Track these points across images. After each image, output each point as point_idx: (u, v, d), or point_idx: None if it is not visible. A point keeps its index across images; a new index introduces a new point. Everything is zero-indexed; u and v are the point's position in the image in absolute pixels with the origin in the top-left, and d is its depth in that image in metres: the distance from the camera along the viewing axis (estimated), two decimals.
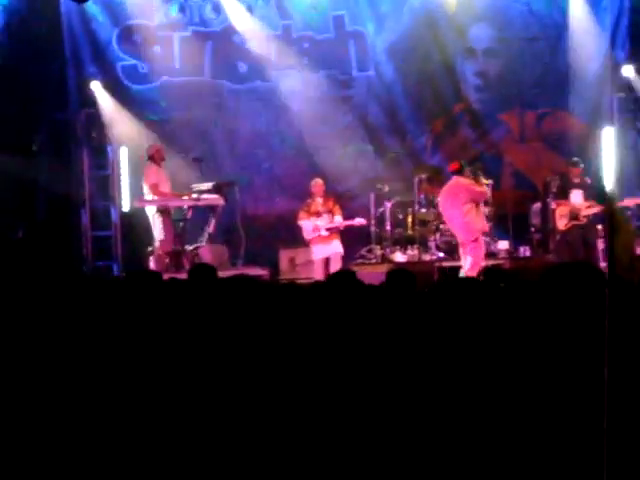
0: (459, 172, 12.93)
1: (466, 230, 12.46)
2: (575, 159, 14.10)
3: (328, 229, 13.44)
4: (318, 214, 13.45)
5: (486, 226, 13.35)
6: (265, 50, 15.50)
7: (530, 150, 15.70)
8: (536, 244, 14.88)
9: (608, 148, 15.44)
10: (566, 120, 15.78)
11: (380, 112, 15.77)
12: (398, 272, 6.34)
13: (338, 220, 13.57)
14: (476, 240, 12.45)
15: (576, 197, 13.77)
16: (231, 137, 15.34)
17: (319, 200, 13.57)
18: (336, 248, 13.40)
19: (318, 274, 12.94)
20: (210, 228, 13.46)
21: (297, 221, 13.60)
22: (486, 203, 13.90)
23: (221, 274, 12.31)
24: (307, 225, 13.47)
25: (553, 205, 14.55)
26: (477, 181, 12.91)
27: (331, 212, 13.54)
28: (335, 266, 12.94)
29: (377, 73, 15.74)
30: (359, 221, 13.94)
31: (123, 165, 14.59)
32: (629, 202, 14.15)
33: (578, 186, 13.84)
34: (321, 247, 13.41)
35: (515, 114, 15.97)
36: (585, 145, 15.27)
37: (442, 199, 12.90)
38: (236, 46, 15.46)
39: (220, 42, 15.41)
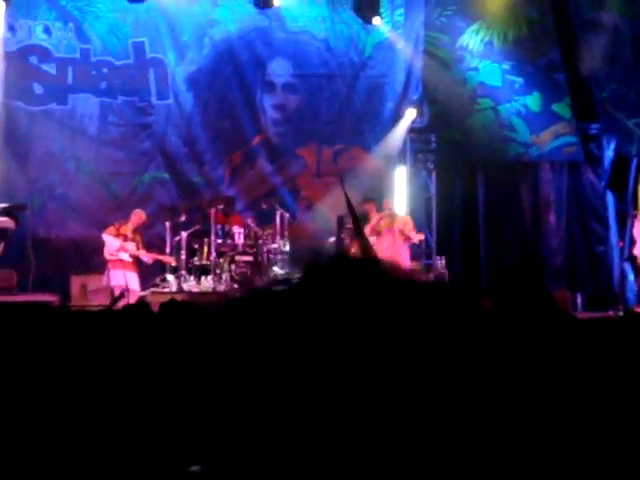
0: None
1: None
2: (372, 197, 14.54)
3: (132, 255, 13.33)
4: (125, 238, 13.35)
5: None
6: (62, 73, 15.20)
7: (326, 185, 15.95)
8: None
9: (400, 187, 15.95)
10: (361, 157, 16.15)
11: (178, 141, 15.70)
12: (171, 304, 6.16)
13: (144, 253, 13.56)
14: None
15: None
16: (24, 160, 14.85)
17: (130, 227, 13.47)
18: (134, 285, 13.29)
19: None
20: None
21: (103, 233, 13.47)
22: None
23: (8, 299, 12.02)
24: (113, 242, 13.31)
25: (347, 240, 14.84)
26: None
27: (137, 244, 13.47)
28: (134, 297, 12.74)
29: (176, 102, 15.66)
30: (168, 258, 13.93)
31: None
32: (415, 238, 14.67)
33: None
34: (120, 273, 13.22)
35: (312, 149, 16.24)
36: (379, 182, 15.67)
37: None
38: (32, 67, 15.06)
39: (15, 62, 14.93)
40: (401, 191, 15.90)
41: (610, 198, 16.11)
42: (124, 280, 13.19)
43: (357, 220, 4.41)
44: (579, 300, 15.16)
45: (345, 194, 5.24)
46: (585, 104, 16.01)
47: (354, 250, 12.71)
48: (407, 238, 14.15)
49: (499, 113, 16.29)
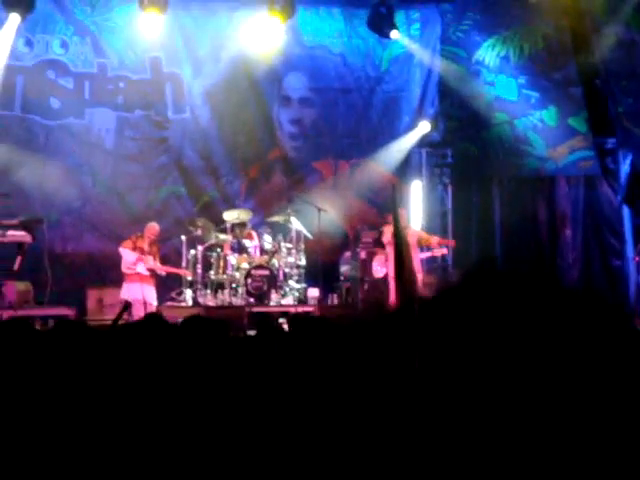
0: None
1: None
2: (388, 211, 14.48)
3: (149, 269, 13.37)
4: (142, 251, 13.39)
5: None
6: (79, 87, 15.26)
7: (342, 199, 15.95)
8: (345, 292, 15.06)
9: (416, 200, 15.95)
10: (377, 171, 16.15)
11: (195, 155, 15.73)
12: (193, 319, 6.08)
13: (160, 266, 13.61)
14: None
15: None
16: (41, 174, 14.88)
17: (146, 241, 13.55)
18: (152, 298, 13.33)
19: (138, 314, 12.59)
20: (16, 265, 13.01)
21: (120, 247, 13.51)
22: None
23: (25, 313, 12.05)
24: (129, 255, 13.35)
25: (363, 255, 14.82)
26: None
27: (154, 257, 13.52)
28: (150, 310, 12.71)
29: (193, 116, 15.70)
30: (184, 271, 13.97)
31: None
32: (437, 252, 14.73)
33: None
34: (137, 287, 13.27)
35: (329, 163, 16.25)
36: (396, 196, 15.62)
37: None
38: (49, 82, 15.11)
39: (32, 77, 14.99)
40: (417, 205, 15.90)
41: (626, 212, 16.08)
42: (141, 293, 13.21)
43: (401, 254, 4.31)
44: None
45: (396, 225, 5.13)
46: (601, 118, 15.97)
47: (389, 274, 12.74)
48: (427, 243, 14.14)
49: (515, 127, 16.27)
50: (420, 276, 13.27)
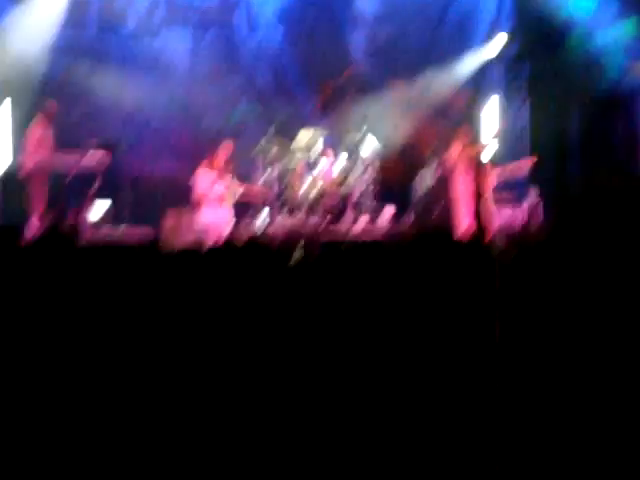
0: None
1: None
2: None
3: (227, 187, 13.33)
4: (219, 172, 13.32)
5: None
6: (154, 7, 15.31)
7: (417, 115, 15.85)
8: (420, 211, 15.01)
9: (493, 115, 15.79)
10: (451, 86, 15.99)
11: (269, 75, 15.75)
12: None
13: (237, 183, 13.57)
14: None
15: None
16: (117, 95, 15.02)
17: (222, 160, 13.45)
18: (229, 220, 13.32)
19: (212, 238, 12.68)
20: (95, 186, 13.20)
21: (198, 169, 13.33)
22: None
23: (106, 232, 12.28)
24: (208, 176, 13.29)
25: (439, 173, 14.73)
26: None
27: (231, 175, 13.48)
28: (226, 233, 12.79)
29: (266, 36, 15.67)
30: (262, 189, 13.93)
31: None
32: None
33: None
34: (213, 210, 13.27)
35: (402, 80, 16.12)
36: (471, 112, 15.53)
37: None
38: (125, 1, 15.17)
39: None
40: (493, 121, 15.74)
41: None
42: (217, 217, 13.24)
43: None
44: None
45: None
46: None
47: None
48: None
49: (594, 41, 15.92)
50: (488, 194, 13.17)
